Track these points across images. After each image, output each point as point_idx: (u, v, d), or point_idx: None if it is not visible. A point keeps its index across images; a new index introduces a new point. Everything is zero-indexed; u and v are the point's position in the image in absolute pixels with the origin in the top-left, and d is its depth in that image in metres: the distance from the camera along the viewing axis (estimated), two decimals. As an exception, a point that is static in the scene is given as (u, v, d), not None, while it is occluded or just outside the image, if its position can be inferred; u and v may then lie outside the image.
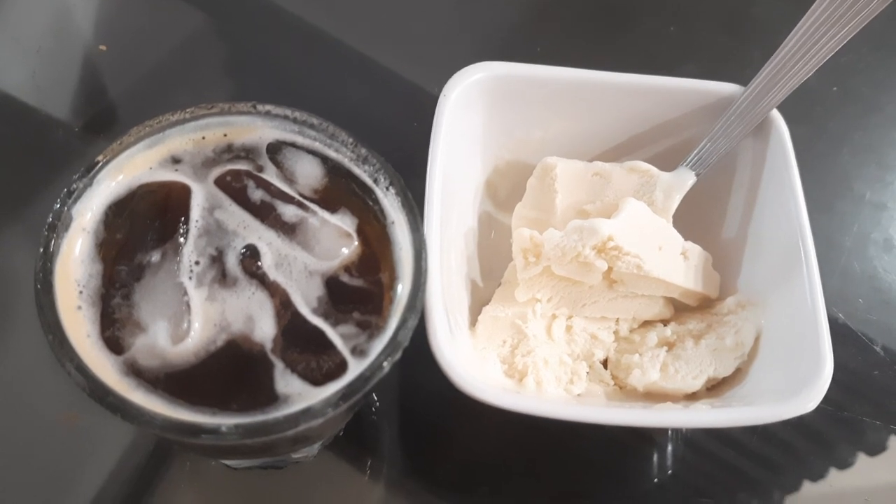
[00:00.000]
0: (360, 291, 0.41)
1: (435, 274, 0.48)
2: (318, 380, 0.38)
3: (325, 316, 0.40)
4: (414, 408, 0.59)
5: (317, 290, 0.41)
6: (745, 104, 0.56)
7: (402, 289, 0.41)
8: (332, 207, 0.43)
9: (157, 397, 0.37)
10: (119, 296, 0.39)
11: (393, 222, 0.43)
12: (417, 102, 0.65)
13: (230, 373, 0.39)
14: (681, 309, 0.58)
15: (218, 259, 0.41)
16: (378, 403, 0.59)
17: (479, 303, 0.56)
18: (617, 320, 0.56)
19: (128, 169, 0.42)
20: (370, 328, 0.40)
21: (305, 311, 0.40)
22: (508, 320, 0.54)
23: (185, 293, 0.40)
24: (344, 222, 0.43)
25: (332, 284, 0.41)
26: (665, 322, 0.57)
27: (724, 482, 0.58)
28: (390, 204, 0.43)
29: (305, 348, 0.39)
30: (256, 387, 0.38)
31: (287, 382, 0.38)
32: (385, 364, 0.38)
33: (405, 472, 0.56)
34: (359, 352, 0.39)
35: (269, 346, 0.39)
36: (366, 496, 0.55)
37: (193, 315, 0.39)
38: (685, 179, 0.56)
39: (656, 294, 0.55)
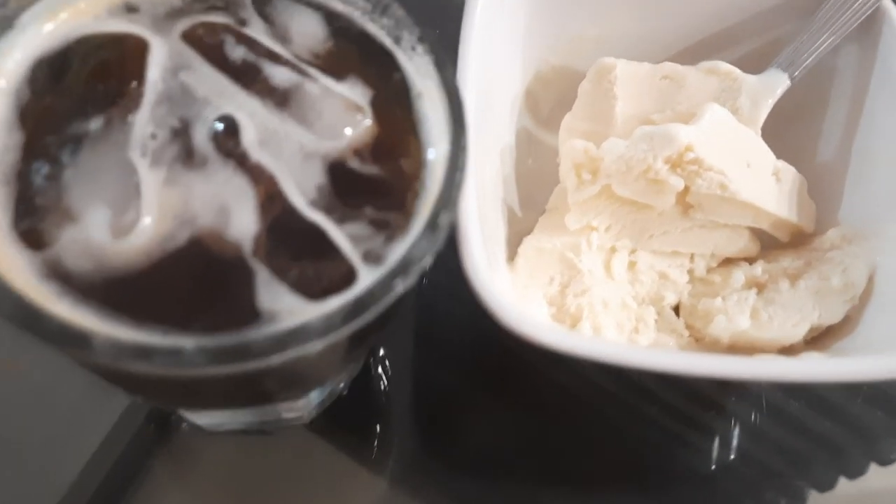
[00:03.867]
0: (374, 181, 0.30)
1: (470, 183, 0.37)
2: (315, 293, 0.28)
3: (328, 210, 0.29)
4: (433, 370, 0.49)
5: (316, 176, 0.30)
6: (851, -8, 0.46)
7: (433, 177, 0.30)
8: (338, 74, 0.32)
9: (89, 310, 0.27)
10: (43, 175, 0.29)
11: (420, 94, 0.32)
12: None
13: (194, 281, 0.28)
14: (768, 245, 0.47)
15: (182, 133, 0.30)
16: (390, 369, 0.48)
17: (517, 235, 0.45)
18: (692, 257, 0.45)
19: (65, 14, 0.31)
20: (388, 228, 0.29)
21: (300, 202, 0.29)
22: (557, 252, 0.43)
23: (135, 172, 0.29)
24: (354, 93, 0.32)
25: (337, 171, 0.30)
26: (750, 260, 0.46)
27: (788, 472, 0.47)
28: (416, 70, 0.32)
29: (299, 252, 0.29)
30: (231, 301, 0.28)
31: (273, 295, 0.27)
32: (408, 275, 0.28)
33: (418, 446, 0.47)
34: (373, 258, 0.29)
35: (248, 247, 0.28)
36: (372, 470, 0.44)
37: (144, 202, 0.28)
38: (776, 83, 0.46)
39: (742, 224, 0.44)
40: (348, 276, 0.28)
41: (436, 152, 0.31)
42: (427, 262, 0.28)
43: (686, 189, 0.42)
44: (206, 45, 0.32)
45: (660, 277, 0.45)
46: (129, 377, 0.29)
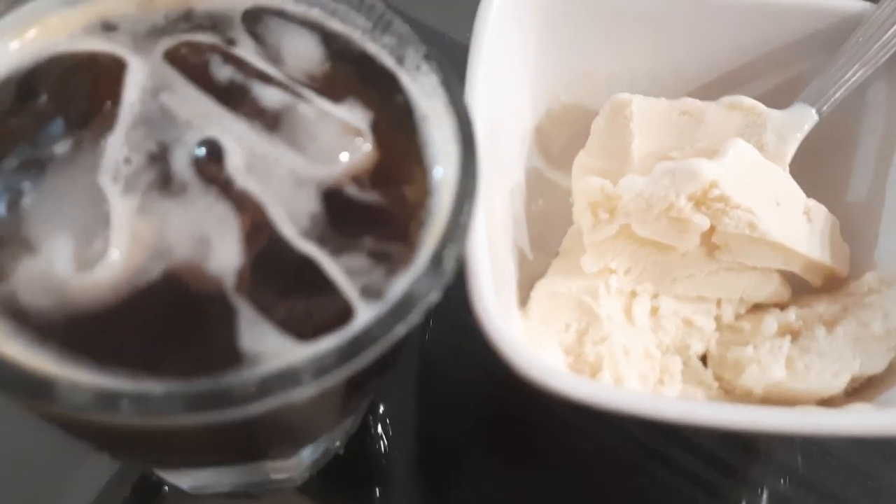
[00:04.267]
0: (374, 209, 0.27)
1: (480, 214, 0.34)
2: (305, 332, 0.24)
3: (321, 241, 0.26)
4: (438, 428, 0.45)
5: (309, 204, 0.27)
6: (879, 24, 0.43)
7: (439, 205, 0.27)
8: (335, 96, 0.29)
9: (47, 352, 0.23)
10: (3, 201, 0.26)
11: (425, 116, 0.29)
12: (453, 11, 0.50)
13: (168, 320, 0.25)
14: (799, 290, 0.43)
15: (160, 157, 0.27)
16: (390, 428, 0.44)
17: (528, 279, 0.42)
18: (718, 302, 0.42)
19: (35, 31, 0.29)
20: (389, 261, 0.26)
21: (290, 232, 0.26)
22: (573, 297, 0.40)
23: (104, 200, 0.26)
24: (352, 116, 0.29)
25: (332, 199, 0.27)
26: (781, 306, 0.42)
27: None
28: (421, 90, 0.29)
29: (289, 287, 0.25)
30: (209, 341, 0.24)
31: (258, 335, 0.24)
32: (411, 312, 0.24)
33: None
34: (372, 293, 0.25)
35: (231, 281, 0.25)
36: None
37: (113, 231, 0.25)
38: (803, 118, 0.43)
39: (772, 266, 0.41)
40: (344, 314, 0.25)
41: (443, 176, 0.28)
42: (433, 298, 0.25)
43: (711, 228, 0.39)
44: (191, 65, 0.29)
45: (685, 324, 0.41)
46: (93, 428, 0.26)
